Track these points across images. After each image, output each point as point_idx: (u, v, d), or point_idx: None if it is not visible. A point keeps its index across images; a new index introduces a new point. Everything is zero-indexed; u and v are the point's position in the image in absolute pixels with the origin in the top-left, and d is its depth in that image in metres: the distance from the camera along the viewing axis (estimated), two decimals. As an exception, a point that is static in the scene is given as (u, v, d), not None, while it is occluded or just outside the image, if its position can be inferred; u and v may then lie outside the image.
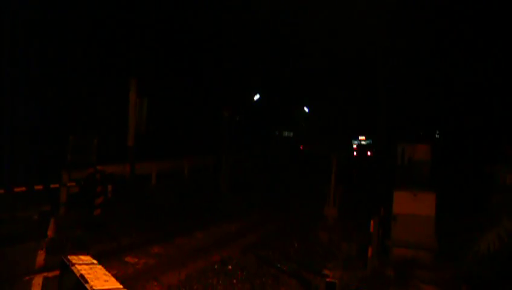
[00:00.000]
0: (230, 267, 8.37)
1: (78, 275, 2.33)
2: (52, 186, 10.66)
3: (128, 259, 8.48)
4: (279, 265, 8.76)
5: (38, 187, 10.29)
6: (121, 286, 2.25)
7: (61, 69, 16.47)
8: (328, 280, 3.26)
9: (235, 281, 7.67)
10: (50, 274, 6.63)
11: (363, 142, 40.35)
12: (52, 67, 15.90)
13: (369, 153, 35.80)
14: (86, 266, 2.46)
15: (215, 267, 8.34)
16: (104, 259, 7.36)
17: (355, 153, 37.15)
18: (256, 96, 32.19)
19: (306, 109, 43.98)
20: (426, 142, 15.01)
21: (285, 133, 44.04)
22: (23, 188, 9.97)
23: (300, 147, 37.07)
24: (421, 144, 14.60)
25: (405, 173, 13.69)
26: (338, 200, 11.75)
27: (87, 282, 2.21)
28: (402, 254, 9.30)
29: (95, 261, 2.61)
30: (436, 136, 29.61)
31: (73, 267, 2.44)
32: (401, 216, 9.44)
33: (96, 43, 17.80)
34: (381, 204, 10.34)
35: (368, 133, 39.95)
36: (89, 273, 2.35)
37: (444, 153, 20.01)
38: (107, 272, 2.45)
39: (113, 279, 2.35)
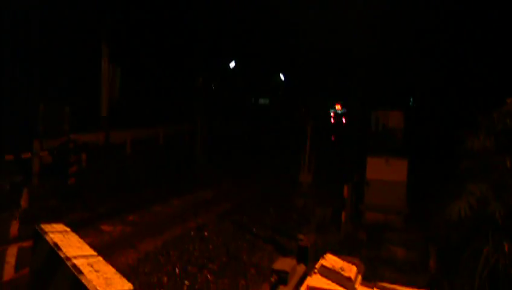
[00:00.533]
0: (206, 233, 8.49)
1: (51, 243, 2.33)
2: (23, 156, 10.44)
3: (104, 227, 8.49)
4: (254, 231, 8.92)
5: (9, 157, 10.05)
6: (95, 253, 2.26)
7: (28, 34, 15.82)
8: (300, 244, 3.35)
9: (211, 246, 7.80)
10: (24, 244, 6.58)
11: (338, 111, 41.70)
12: (20, 30, 15.25)
13: (343, 120, 37.24)
14: (59, 234, 2.46)
15: (192, 233, 8.44)
16: (80, 228, 7.36)
17: (332, 121, 38.76)
18: (232, 64, 31.83)
19: (282, 76, 43.79)
20: (399, 109, 15.23)
21: (261, 101, 43.92)
22: (-7, 159, 9.74)
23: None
24: (394, 111, 14.82)
25: (378, 139, 13.95)
26: (313, 166, 11.92)
27: (60, 249, 2.21)
28: (374, 218, 9.59)
29: (68, 229, 2.60)
30: (410, 103, 30.09)
31: (46, 236, 2.43)
32: (373, 181, 9.69)
33: (67, 8, 17.11)
34: (355, 170, 10.56)
35: (343, 101, 40.83)
36: (62, 241, 2.35)
37: (417, 120, 20.40)
38: (80, 240, 2.45)
39: (87, 246, 2.36)
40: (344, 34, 29.50)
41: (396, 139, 13.91)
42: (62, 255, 2.15)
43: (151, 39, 21.32)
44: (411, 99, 30.90)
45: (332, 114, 41.41)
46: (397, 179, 9.57)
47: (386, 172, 9.69)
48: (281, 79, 43.52)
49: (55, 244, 2.29)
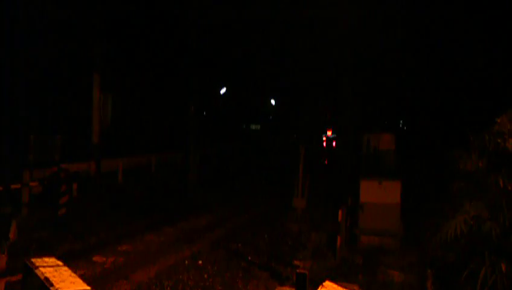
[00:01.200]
0: (200, 262, 8.34)
1: (42, 278, 2.26)
2: (13, 187, 10.28)
3: (96, 258, 8.31)
4: (249, 258, 8.79)
5: (-2, 188, 9.89)
6: (89, 287, 2.19)
7: (18, 64, 15.85)
8: (298, 270, 3.28)
9: (206, 275, 7.65)
10: (13, 278, 6.40)
11: (330, 137, 43.39)
12: (8, 62, 15.28)
13: (334, 144, 39.63)
14: (50, 268, 2.38)
15: (186, 262, 8.29)
16: (71, 260, 7.20)
17: (324, 144, 40.23)
18: (223, 90, 32.05)
19: (273, 102, 44.11)
20: (390, 131, 15.33)
21: (253, 126, 44.10)
22: (-19, 190, 9.56)
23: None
24: (385, 133, 14.91)
25: (371, 162, 13.96)
26: (306, 191, 11.87)
27: (52, 285, 2.14)
28: (370, 241, 9.51)
29: (60, 263, 2.53)
30: (400, 125, 30.38)
31: (37, 270, 2.36)
32: (367, 204, 9.65)
33: (57, 38, 17.23)
34: (349, 193, 10.53)
35: (335, 127, 41.94)
36: (54, 276, 2.28)
37: (408, 141, 20.55)
38: (73, 274, 2.38)
39: (79, 280, 2.29)
40: (333, 59, 29.90)
41: (389, 161, 13.94)
42: (54, 291, 2.08)
43: (142, 68, 21.47)
44: (401, 122, 31.25)
45: (324, 138, 42.97)
46: (391, 201, 9.55)
47: (379, 194, 9.67)
48: (271, 104, 43.86)
49: (47, 279, 2.22)
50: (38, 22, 16.36)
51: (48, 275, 2.27)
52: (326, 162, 27.71)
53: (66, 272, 2.39)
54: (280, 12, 29.32)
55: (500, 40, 14.55)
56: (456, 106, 16.65)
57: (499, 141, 6.54)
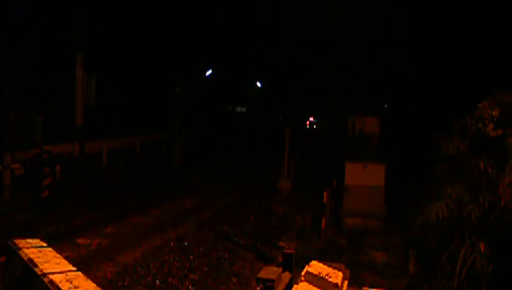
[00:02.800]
0: (186, 243, 8.36)
1: (25, 259, 2.22)
2: (-6, 168, 10.12)
3: (80, 241, 8.27)
4: (235, 239, 8.85)
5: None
6: (74, 268, 2.17)
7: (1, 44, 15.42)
8: (285, 250, 3.31)
9: (191, 257, 7.69)
10: (-3, 260, 6.35)
11: (312, 121, 48.39)
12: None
13: (314, 127, 45.81)
14: (34, 249, 2.35)
15: (171, 244, 8.30)
16: (55, 242, 7.14)
17: (307, 126, 46.64)
18: (208, 72, 31.77)
19: (259, 84, 43.94)
20: (375, 115, 15.42)
21: (238, 109, 43.95)
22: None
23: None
24: (370, 117, 15.00)
25: (356, 145, 14.08)
26: (291, 174, 11.95)
27: (36, 266, 2.11)
28: (354, 223, 9.66)
29: (44, 244, 2.50)
30: (385, 109, 30.56)
31: (20, 252, 2.32)
32: (352, 187, 9.77)
33: (40, 17, 16.77)
34: (334, 176, 10.62)
35: (317, 111, 43.74)
36: (38, 257, 2.24)
37: (392, 125, 20.72)
38: (58, 255, 2.35)
39: (64, 261, 2.26)
40: (319, 43, 29.79)
41: (373, 145, 14.07)
42: (38, 272, 2.05)
43: (127, 48, 21.10)
44: (385, 106, 31.45)
45: (307, 122, 47.24)
46: (375, 184, 9.68)
47: (364, 177, 9.78)
48: (257, 87, 43.67)
49: (30, 260, 2.19)
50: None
51: (31, 256, 2.24)
52: (310, 143, 28.43)
53: (50, 253, 2.35)
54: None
55: (482, 27, 14.64)
56: (440, 91, 16.78)
57: (480, 125, 6.64)
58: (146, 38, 22.60)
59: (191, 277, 6.87)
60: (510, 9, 13.23)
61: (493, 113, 6.40)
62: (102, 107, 16.10)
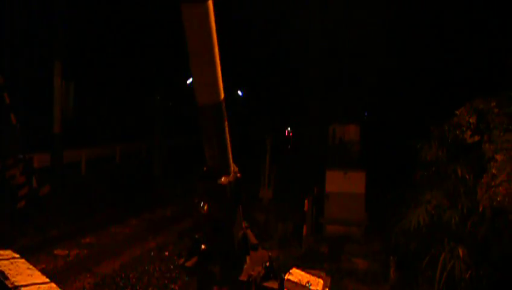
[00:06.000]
0: (166, 253, 8.25)
1: (-3, 271, 2.15)
2: (-33, 178, 9.83)
3: (57, 251, 8.08)
4: (216, 248, 8.75)
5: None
6: (47, 279, 2.10)
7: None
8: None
9: (172, 266, 7.58)
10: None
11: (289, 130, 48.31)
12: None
13: (291, 134, 45.23)
14: (6, 261, 2.27)
15: (152, 253, 8.19)
16: (31, 253, 6.97)
17: (286, 134, 45.81)
18: (190, 80, 31.67)
19: (239, 93, 44.01)
20: (355, 123, 15.55)
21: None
22: None
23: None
24: (351, 124, 15.12)
25: (336, 152, 14.16)
26: (273, 182, 11.94)
27: (7, 278, 2.04)
28: (335, 230, 9.68)
29: (17, 255, 2.42)
30: (365, 117, 30.90)
31: (-9, 264, 2.25)
32: (333, 194, 9.80)
33: (18, 23, 16.49)
34: (315, 183, 10.65)
35: (299, 118, 44.10)
36: (10, 269, 2.17)
37: (372, 132, 20.93)
38: (31, 266, 2.28)
39: (38, 273, 2.20)
40: (298, 53, 30.03)
41: (354, 152, 14.17)
42: (9, 285, 1.98)
43: (107, 56, 20.89)
44: (365, 113, 31.82)
45: (286, 131, 47.11)
46: (356, 191, 9.74)
47: (344, 184, 9.83)
48: (239, 95, 43.75)
49: (1, 272, 2.12)
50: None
51: (3, 268, 2.17)
52: (288, 147, 29.40)
53: (23, 264, 2.28)
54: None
55: (460, 36, 14.96)
56: (419, 98, 17.03)
57: (457, 132, 6.76)
58: (126, 47, 22.44)
59: (172, 287, 6.77)
60: (486, 19, 13.58)
61: (470, 120, 6.52)
62: (81, 115, 15.87)
